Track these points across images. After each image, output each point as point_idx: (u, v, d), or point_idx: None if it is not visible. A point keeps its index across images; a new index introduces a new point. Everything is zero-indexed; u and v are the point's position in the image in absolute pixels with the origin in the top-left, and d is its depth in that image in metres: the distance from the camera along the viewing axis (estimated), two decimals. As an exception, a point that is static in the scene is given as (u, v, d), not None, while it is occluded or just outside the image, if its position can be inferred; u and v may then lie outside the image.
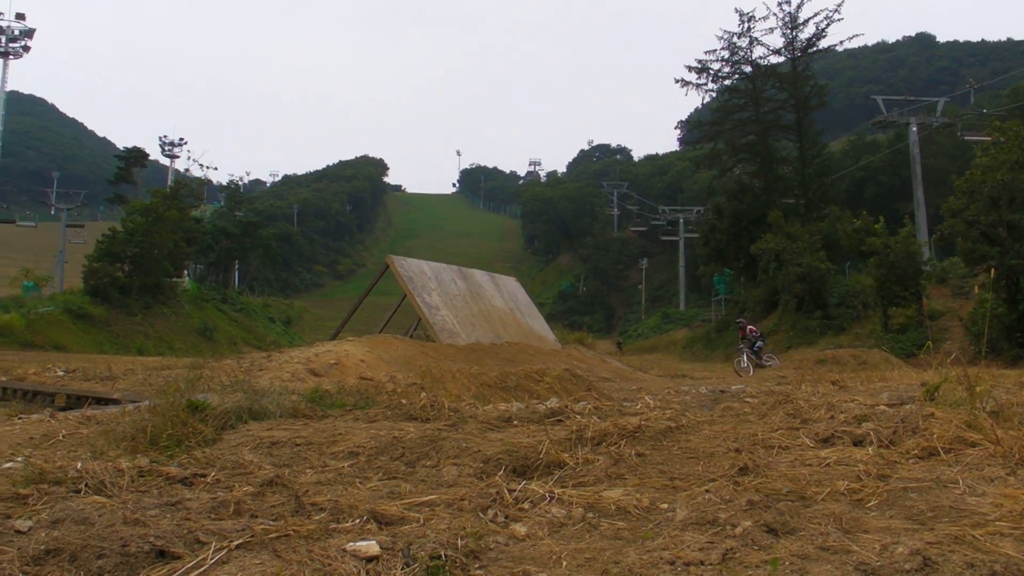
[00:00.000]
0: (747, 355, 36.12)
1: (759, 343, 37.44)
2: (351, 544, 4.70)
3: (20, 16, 75.52)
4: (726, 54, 79.87)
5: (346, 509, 5.52)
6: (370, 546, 4.66)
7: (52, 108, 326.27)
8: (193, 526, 4.97)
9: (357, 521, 5.31)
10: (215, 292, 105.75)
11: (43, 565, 4.38)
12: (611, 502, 5.97)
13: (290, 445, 7.99)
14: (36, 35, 76.25)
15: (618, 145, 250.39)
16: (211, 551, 4.54)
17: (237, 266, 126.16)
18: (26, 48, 76.08)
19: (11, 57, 75.20)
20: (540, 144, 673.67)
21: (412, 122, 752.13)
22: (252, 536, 4.78)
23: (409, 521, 5.43)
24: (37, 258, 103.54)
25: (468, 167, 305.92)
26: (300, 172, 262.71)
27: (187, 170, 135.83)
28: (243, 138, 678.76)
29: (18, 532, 4.90)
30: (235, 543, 4.67)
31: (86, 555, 4.48)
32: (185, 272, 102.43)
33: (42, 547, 4.53)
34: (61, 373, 24.32)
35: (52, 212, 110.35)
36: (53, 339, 65.55)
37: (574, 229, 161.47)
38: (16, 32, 75.34)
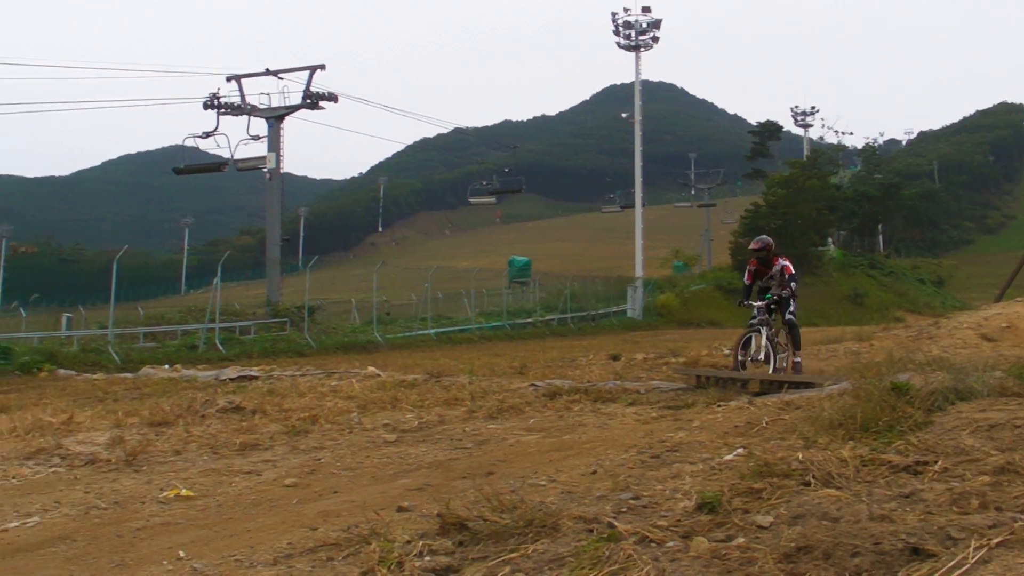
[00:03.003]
0: (766, 335, 15.94)
1: (792, 303, 16.80)
2: None
3: (646, 9, 78.40)
4: None
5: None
6: None
7: (682, 92, 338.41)
8: (940, 521, 4.77)
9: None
10: (861, 258, 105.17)
11: (796, 563, 4.35)
12: None
13: (1009, 427, 7.50)
14: (662, 24, 78.83)
15: None
16: (971, 549, 4.31)
17: (880, 229, 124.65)
18: (655, 39, 78.93)
19: (642, 50, 78.25)
20: None
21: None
22: (1011, 533, 4.49)
23: None
24: (684, 238, 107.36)
25: None
26: (936, 127, 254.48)
27: (821, 138, 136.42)
28: (872, 98, 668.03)
29: (760, 527, 4.93)
30: (994, 541, 4.41)
31: (839, 553, 4.40)
32: (829, 240, 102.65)
33: (792, 544, 4.50)
34: (727, 352, 24.90)
35: (692, 192, 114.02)
36: (707, 315, 67.92)
37: None
38: (644, 25, 78.34)
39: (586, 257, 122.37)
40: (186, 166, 50.57)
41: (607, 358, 23.04)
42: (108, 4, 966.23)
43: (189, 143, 49.32)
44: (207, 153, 52.38)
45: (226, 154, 49.10)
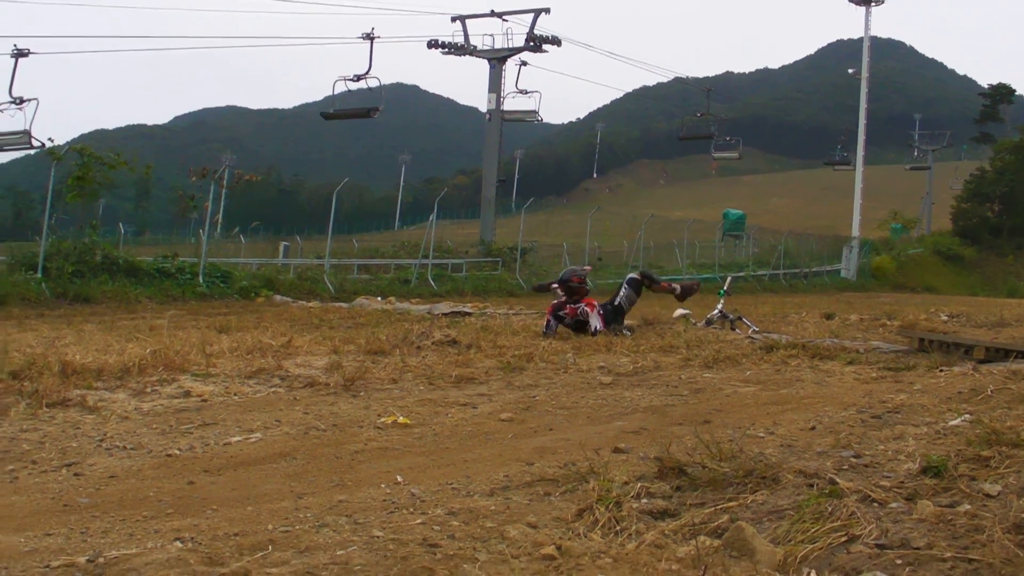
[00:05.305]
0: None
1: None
2: None
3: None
4: None
5: None
6: None
7: (911, 51, 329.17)
8: None
9: None
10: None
11: (1023, 534, 4.20)
12: None
13: None
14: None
15: None
16: None
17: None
18: (894, -7, 76.98)
19: (873, 4, 75.96)
20: None
21: None
22: None
23: None
24: (904, 200, 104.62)
25: None
26: None
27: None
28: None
29: (987, 496, 4.78)
30: None
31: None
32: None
33: (1023, 514, 4.35)
34: (945, 318, 24.24)
35: (916, 155, 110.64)
36: (923, 280, 66.26)
37: None
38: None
39: (802, 214, 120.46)
40: (335, 111, 49.58)
41: (821, 316, 22.61)
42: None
43: (340, 87, 47.06)
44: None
45: (379, 99, 47.46)
